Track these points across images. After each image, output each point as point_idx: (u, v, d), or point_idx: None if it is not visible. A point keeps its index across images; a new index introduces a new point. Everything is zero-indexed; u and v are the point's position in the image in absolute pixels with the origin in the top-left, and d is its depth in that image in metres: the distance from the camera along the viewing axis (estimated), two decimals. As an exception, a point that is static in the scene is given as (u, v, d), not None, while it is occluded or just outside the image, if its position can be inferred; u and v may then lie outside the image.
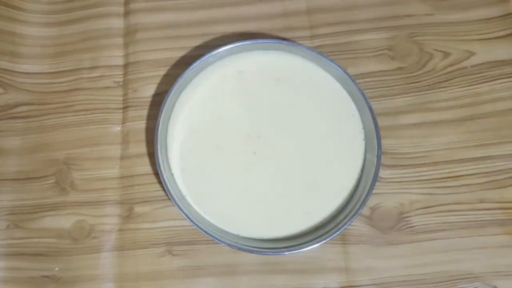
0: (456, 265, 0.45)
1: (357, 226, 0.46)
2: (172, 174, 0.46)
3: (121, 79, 0.52)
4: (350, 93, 0.47)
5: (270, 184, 0.46)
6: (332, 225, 0.44)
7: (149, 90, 0.51)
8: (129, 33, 0.53)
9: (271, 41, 0.47)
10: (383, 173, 0.47)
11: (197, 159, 0.47)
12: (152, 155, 0.49)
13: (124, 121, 0.50)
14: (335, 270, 0.46)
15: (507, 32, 0.50)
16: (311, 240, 0.43)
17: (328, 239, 0.42)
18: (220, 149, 0.47)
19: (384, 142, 0.45)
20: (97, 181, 0.49)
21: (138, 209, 0.48)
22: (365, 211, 0.47)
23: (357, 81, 0.46)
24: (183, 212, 0.43)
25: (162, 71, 0.51)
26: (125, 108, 0.51)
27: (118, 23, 0.53)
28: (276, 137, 0.47)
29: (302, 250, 0.42)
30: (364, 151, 0.47)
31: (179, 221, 0.47)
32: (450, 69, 0.50)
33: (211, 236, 0.42)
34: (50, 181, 0.49)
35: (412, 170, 0.48)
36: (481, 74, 0.49)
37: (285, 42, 0.47)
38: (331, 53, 0.51)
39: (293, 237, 0.45)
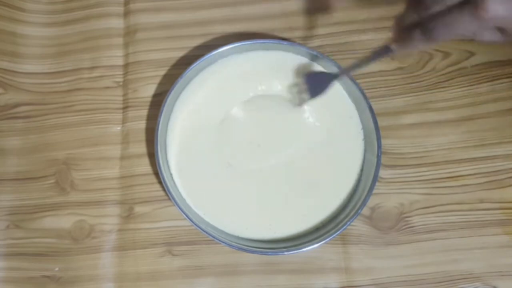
0: (456, 265, 0.45)
1: (357, 226, 0.46)
2: (171, 174, 0.46)
3: (121, 79, 0.52)
4: (350, 93, 0.48)
5: (270, 185, 0.46)
6: (332, 225, 0.44)
7: (149, 90, 0.51)
8: (129, 33, 0.53)
9: (271, 41, 0.47)
10: (383, 173, 0.47)
11: (197, 160, 0.47)
12: (152, 155, 0.49)
13: (124, 121, 0.50)
14: (335, 270, 0.46)
15: (507, 32, 0.50)
16: (311, 240, 0.43)
17: (328, 239, 0.42)
18: (220, 149, 0.47)
19: (384, 142, 0.45)
20: (97, 181, 0.49)
21: (138, 209, 0.48)
22: (365, 211, 0.47)
23: (357, 81, 0.46)
24: (184, 212, 0.43)
25: (162, 71, 0.51)
26: (125, 108, 0.51)
27: (118, 23, 0.53)
28: (275, 137, 0.47)
29: (302, 250, 0.42)
30: (364, 151, 0.47)
31: (179, 221, 0.47)
32: (450, 69, 0.50)
33: (211, 236, 0.42)
34: (50, 181, 0.49)
35: (412, 170, 0.47)
36: (481, 74, 0.49)
37: (285, 42, 0.47)
38: (331, 53, 0.51)
39: (293, 237, 0.45)
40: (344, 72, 0.41)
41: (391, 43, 0.34)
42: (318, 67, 0.47)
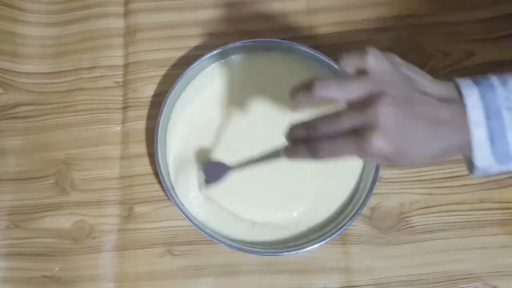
0: (456, 265, 0.45)
1: (357, 226, 0.46)
2: (170, 174, 0.46)
3: (121, 79, 0.52)
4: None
5: (270, 186, 0.46)
6: (332, 225, 0.44)
7: (149, 90, 0.51)
8: (129, 33, 0.53)
9: (271, 41, 0.47)
10: (383, 173, 0.47)
11: (197, 159, 0.47)
12: (152, 155, 0.49)
13: (124, 121, 0.50)
14: (335, 270, 0.46)
15: (507, 32, 0.50)
16: (311, 240, 0.43)
17: (328, 239, 0.42)
18: (220, 149, 0.47)
19: (384, 142, 0.45)
20: (97, 181, 0.49)
21: (138, 209, 0.48)
22: (365, 211, 0.47)
23: (357, 81, 0.46)
24: (183, 212, 0.43)
25: (162, 71, 0.51)
26: (125, 108, 0.51)
27: (118, 23, 0.53)
28: (275, 138, 0.47)
29: (302, 250, 0.42)
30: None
31: (179, 221, 0.47)
32: (450, 69, 0.50)
33: (211, 236, 0.42)
34: (50, 181, 0.49)
35: (412, 170, 0.47)
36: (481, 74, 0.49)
37: (285, 42, 0.47)
38: (331, 53, 0.50)
39: (294, 238, 0.45)
40: (237, 167, 0.43)
41: (283, 151, 0.35)
42: (216, 157, 0.47)
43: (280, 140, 0.46)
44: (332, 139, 0.30)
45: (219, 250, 0.46)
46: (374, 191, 0.43)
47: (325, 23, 0.52)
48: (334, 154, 0.30)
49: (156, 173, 0.47)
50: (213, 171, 0.44)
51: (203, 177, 0.45)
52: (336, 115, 0.30)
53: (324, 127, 0.30)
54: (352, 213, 0.43)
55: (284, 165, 0.46)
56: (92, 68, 0.52)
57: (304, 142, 0.31)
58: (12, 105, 0.51)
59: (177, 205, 0.43)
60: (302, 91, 0.31)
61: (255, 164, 0.42)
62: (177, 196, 0.45)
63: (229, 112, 0.48)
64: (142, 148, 0.49)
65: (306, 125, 0.32)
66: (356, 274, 0.45)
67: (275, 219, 0.45)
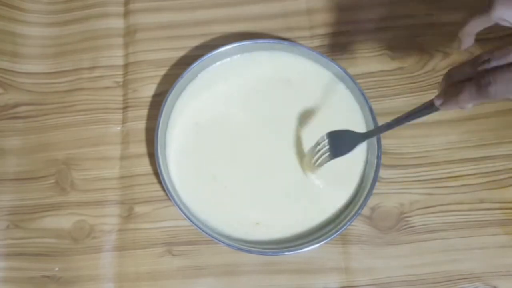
0: (456, 265, 0.45)
1: (357, 226, 0.46)
2: (170, 174, 0.46)
3: (121, 79, 0.52)
4: (352, 93, 0.47)
5: (271, 186, 0.46)
6: (332, 225, 0.45)
7: (149, 90, 0.51)
8: (129, 33, 0.53)
9: (271, 41, 0.47)
10: (383, 173, 0.47)
11: (197, 160, 0.47)
12: (152, 155, 0.49)
13: (124, 121, 0.50)
14: (335, 270, 0.46)
15: (506, 32, 0.50)
16: (311, 240, 0.43)
17: (328, 239, 0.42)
18: (220, 150, 0.47)
19: (384, 142, 0.45)
20: (97, 181, 0.49)
21: (138, 209, 0.48)
22: (365, 211, 0.47)
23: (357, 81, 0.46)
24: (183, 212, 0.43)
25: (162, 71, 0.51)
26: (125, 108, 0.51)
27: (118, 23, 0.53)
28: (276, 137, 0.47)
29: (302, 250, 0.42)
30: (365, 151, 0.47)
31: (179, 221, 0.47)
32: (450, 69, 0.50)
33: (211, 236, 0.42)
34: (50, 181, 0.49)
35: (412, 170, 0.47)
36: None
37: (285, 42, 0.47)
38: (331, 53, 0.51)
39: (294, 238, 0.45)
40: (378, 131, 0.37)
41: (437, 99, 0.31)
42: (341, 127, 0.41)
43: (282, 138, 0.47)
44: (506, 70, 0.26)
45: (219, 250, 0.46)
46: (374, 191, 0.43)
47: (325, 23, 0.52)
48: (508, 88, 0.26)
49: (156, 173, 0.47)
50: (339, 141, 0.38)
51: (324, 151, 0.39)
52: (506, 46, 0.27)
53: (495, 58, 0.27)
54: (352, 213, 0.43)
55: (285, 165, 0.47)
56: (92, 68, 0.52)
57: (468, 81, 0.28)
58: (12, 105, 0.51)
59: (177, 205, 0.43)
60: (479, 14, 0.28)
61: (403, 124, 0.34)
62: (177, 196, 0.45)
63: (229, 112, 0.48)
64: (142, 148, 0.49)
65: (472, 60, 0.28)
66: (356, 274, 0.45)
67: (276, 219, 0.45)
